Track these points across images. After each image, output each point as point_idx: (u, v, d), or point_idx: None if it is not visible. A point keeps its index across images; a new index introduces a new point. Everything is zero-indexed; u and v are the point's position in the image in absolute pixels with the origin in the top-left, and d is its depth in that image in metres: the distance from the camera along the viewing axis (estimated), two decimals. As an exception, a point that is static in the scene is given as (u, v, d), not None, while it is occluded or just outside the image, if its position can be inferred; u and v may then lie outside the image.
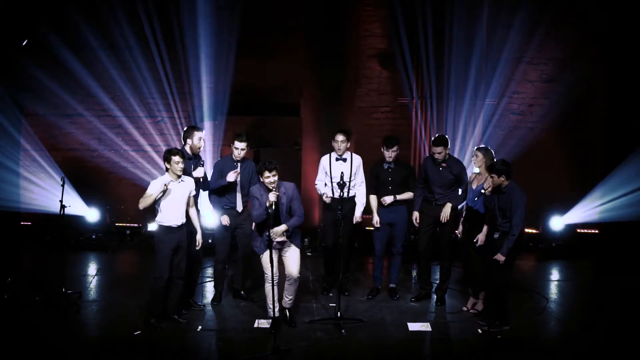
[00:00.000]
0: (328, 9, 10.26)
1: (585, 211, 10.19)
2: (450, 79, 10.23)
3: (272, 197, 6.50)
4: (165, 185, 6.66)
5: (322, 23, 10.28)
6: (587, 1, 9.96)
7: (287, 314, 6.98)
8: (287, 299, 6.93)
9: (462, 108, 10.30)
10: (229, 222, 7.48)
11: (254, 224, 7.34)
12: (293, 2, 10.36)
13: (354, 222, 7.75)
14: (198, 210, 7.18)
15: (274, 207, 6.50)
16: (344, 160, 7.78)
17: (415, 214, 7.72)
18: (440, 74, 10.26)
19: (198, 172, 7.17)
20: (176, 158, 6.70)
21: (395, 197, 7.64)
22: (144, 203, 6.65)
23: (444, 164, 7.58)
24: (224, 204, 7.50)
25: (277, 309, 6.73)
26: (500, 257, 6.69)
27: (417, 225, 7.73)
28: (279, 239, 6.69)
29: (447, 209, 7.52)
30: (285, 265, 6.84)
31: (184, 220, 6.85)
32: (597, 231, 10.43)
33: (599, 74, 10.30)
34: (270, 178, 6.53)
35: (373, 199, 7.79)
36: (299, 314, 7.25)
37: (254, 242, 6.90)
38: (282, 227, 6.68)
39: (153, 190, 6.68)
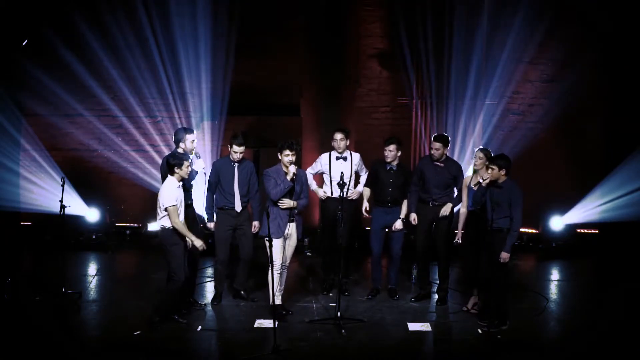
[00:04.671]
0: (328, 9, 10.23)
1: (585, 211, 10.18)
2: (450, 79, 10.22)
3: (292, 168, 6.86)
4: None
5: (322, 23, 10.26)
6: (588, 1, 9.95)
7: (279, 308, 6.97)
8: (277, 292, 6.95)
9: (462, 108, 10.29)
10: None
11: (254, 224, 7.46)
12: (293, 2, 10.35)
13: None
14: None
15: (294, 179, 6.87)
16: (345, 159, 7.79)
17: (413, 215, 7.66)
18: (440, 74, 10.25)
19: (198, 165, 7.31)
20: (187, 163, 6.71)
21: (402, 219, 7.72)
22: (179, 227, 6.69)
23: (441, 164, 7.58)
24: (222, 204, 7.49)
25: (278, 298, 6.82)
26: (505, 256, 6.68)
27: (414, 223, 7.68)
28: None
29: (447, 208, 7.54)
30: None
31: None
32: (597, 231, 10.42)
33: (599, 74, 10.30)
34: (289, 156, 6.87)
35: (367, 190, 7.88)
36: (299, 314, 7.26)
37: (271, 226, 6.77)
38: (292, 203, 6.97)
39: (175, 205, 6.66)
